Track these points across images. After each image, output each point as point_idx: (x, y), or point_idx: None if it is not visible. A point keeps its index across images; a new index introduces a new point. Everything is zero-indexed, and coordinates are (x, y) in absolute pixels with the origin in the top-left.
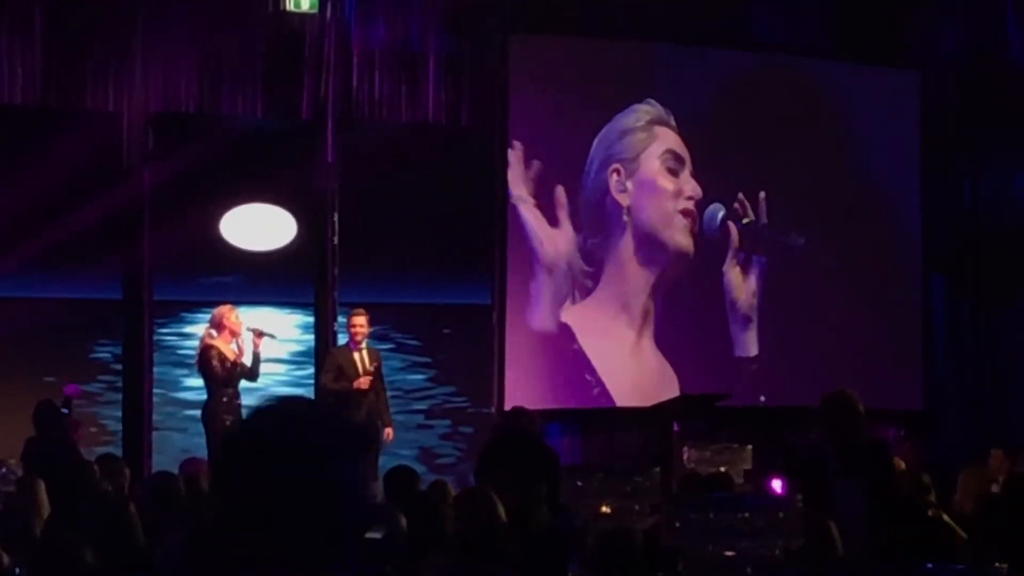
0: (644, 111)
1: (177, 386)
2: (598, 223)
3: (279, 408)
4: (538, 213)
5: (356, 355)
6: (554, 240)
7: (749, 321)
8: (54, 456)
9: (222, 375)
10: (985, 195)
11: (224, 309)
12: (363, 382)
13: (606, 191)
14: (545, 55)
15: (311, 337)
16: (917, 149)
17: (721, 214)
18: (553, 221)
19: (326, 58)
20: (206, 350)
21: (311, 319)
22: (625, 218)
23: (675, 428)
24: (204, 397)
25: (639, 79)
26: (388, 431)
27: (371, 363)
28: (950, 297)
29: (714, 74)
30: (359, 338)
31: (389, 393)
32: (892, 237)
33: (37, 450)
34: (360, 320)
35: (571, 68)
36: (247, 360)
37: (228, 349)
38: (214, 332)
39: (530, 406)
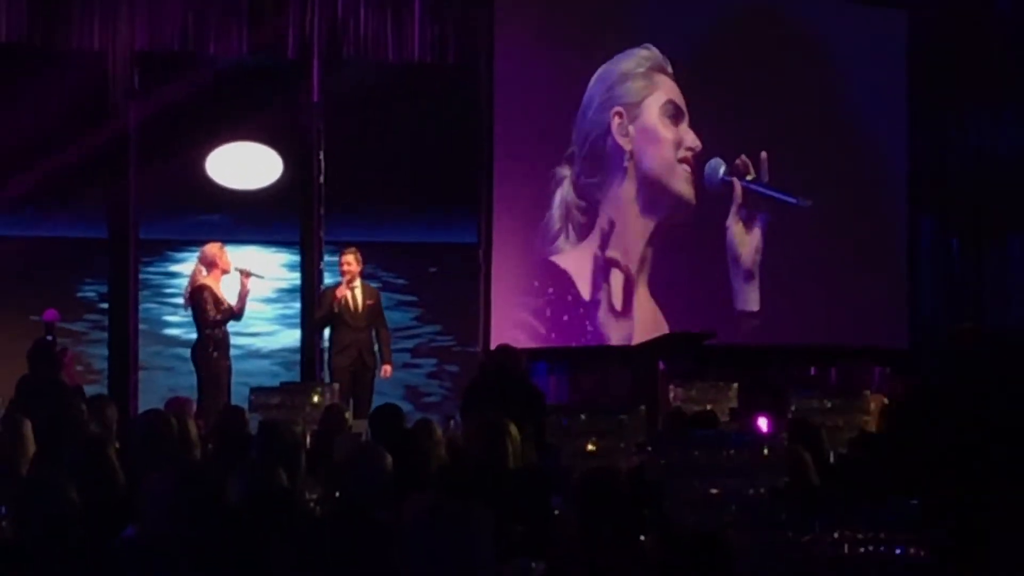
0: (644, 57)
1: (162, 325)
2: (596, 163)
3: None
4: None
5: (348, 293)
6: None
7: (751, 277)
8: (42, 395)
9: (216, 317)
10: (971, 136)
11: (215, 248)
12: (386, 370)
13: (607, 132)
14: None
15: (297, 276)
16: (904, 89)
17: (723, 169)
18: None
19: None
20: (199, 291)
21: (297, 258)
22: (627, 163)
23: (661, 367)
24: (190, 336)
25: (625, 16)
26: (386, 368)
27: (366, 301)
28: (936, 237)
29: (702, 14)
30: (347, 276)
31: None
32: (879, 177)
33: (28, 389)
34: (347, 258)
35: (557, 5)
36: (233, 300)
37: (219, 289)
38: (204, 271)
39: (516, 345)
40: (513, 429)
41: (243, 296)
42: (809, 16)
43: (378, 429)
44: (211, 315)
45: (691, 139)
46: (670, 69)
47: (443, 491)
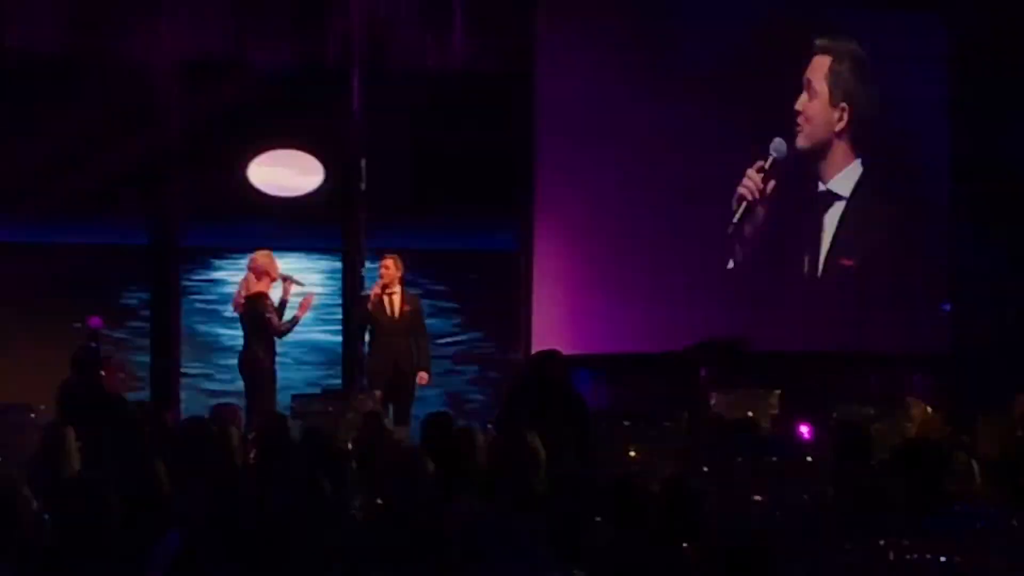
0: None
1: (205, 332)
2: None
3: None
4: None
5: (386, 299)
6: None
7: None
8: (84, 402)
9: (282, 327)
10: (1014, 140)
11: (266, 256)
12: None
13: None
14: (572, 1)
15: (339, 282)
16: (945, 93)
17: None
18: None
19: (353, 4)
20: (259, 299)
21: (339, 264)
22: None
23: (702, 373)
24: (232, 343)
25: (666, 23)
26: (422, 375)
27: (404, 307)
28: (979, 243)
29: (742, 17)
30: (385, 280)
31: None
32: (921, 182)
33: (70, 393)
34: (387, 262)
35: (597, 14)
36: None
37: (272, 297)
38: (255, 279)
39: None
40: (534, 440)
41: (285, 302)
42: (850, 22)
43: (429, 436)
44: (276, 323)
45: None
46: None
47: (485, 498)
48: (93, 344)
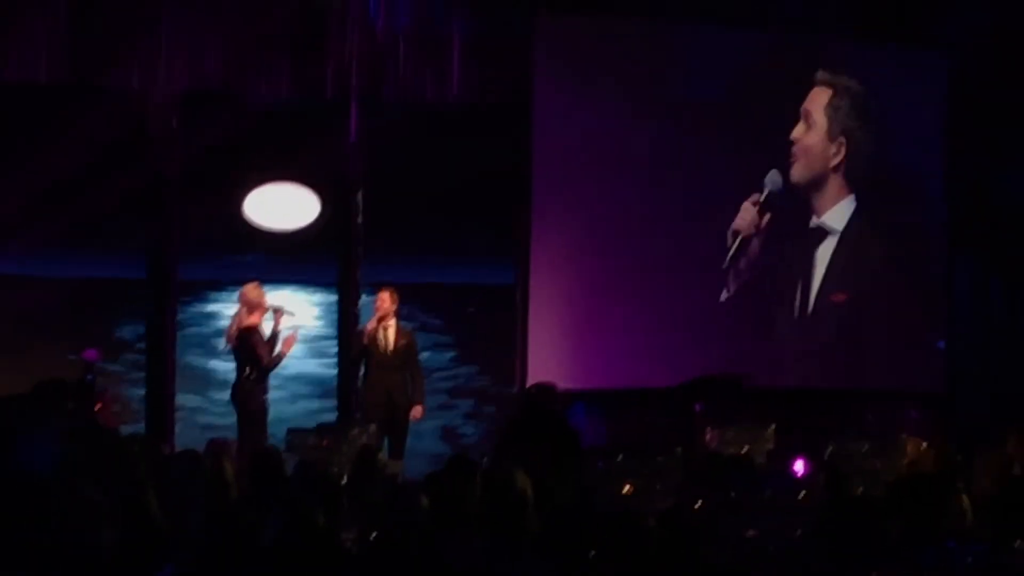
0: None
1: (200, 365)
2: None
3: None
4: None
5: (380, 332)
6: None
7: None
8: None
9: (270, 363)
10: (1011, 178)
11: (256, 289)
12: (417, 411)
13: None
14: (570, 34)
15: (334, 316)
16: (943, 132)
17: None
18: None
19: (350, 37)
20: (249, 332)
21: (334, 298)
22: None
23: (698, 409)
24: (227, 376)
25: (664, 58)
26: (416, 409)
27: (398, 341)
28: (975, 280)
29: (737, 53)
30: (379, 312)
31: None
32: (917, 219)
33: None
34: (383, 295)
35: (596, 48)
36: (267, 335)
37: (263, 330)
38: (247, 312)
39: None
40: (523, 478)
41: (276, 333)
42: (849, 58)
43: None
44: (265, 359)
45: None
46: None
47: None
48: (89, 377)
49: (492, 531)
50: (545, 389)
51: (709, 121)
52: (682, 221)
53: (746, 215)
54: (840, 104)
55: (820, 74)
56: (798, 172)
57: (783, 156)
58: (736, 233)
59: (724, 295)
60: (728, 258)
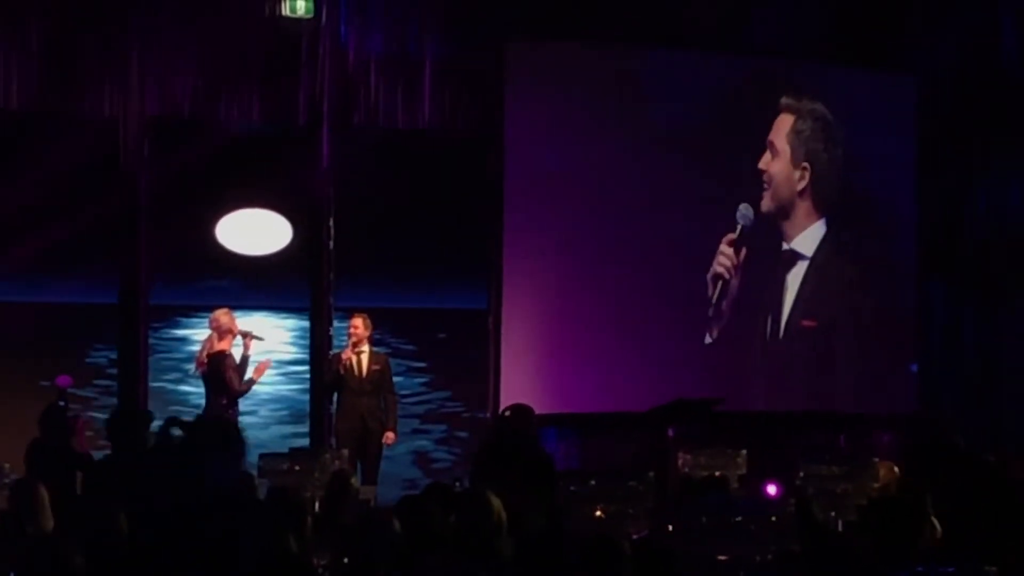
0: None
1: (172, 390)
2: None
3: None
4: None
5: (354, 358)
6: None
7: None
8: (52, 462)
9: (241, 389)
10: (982, 200)
11: (226, 315)
12: (389, 437)
13: None
14: (541, 61)
15: (306, 341)
16: (913, 154)
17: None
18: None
19: (321, 63)
20: (221, 358)
21: (306, 324)
22: None
23: (670, 433)
24: (199, 401)
25: (635, 85)
26: (388, 435)
27: (372, 366)
28: (947, 303)
29: (710, 79)
30: (354, 339)
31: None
32: (888, 242)
33: (38, 455)
34: (356, 321)
35: (567, 74)
36: (237, 359)
37: (235, 354)
38: (217, 337)
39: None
40: (495, 502)
41: (246, 358)
42: (818, 83)
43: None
44: (235, 385)
45: None
46: None
47: (452, 555)
48: (62, 403)
49: (466, 555)
50: (520, 410)
51: (681, 147)
52: (655, 246)
53: (724, 259)
54: (803, 128)
55: (784, 100)
56: (767, 201)
57: (754, 183)
58: (717, 278)
59: (708, 339)
60: (712, 305)
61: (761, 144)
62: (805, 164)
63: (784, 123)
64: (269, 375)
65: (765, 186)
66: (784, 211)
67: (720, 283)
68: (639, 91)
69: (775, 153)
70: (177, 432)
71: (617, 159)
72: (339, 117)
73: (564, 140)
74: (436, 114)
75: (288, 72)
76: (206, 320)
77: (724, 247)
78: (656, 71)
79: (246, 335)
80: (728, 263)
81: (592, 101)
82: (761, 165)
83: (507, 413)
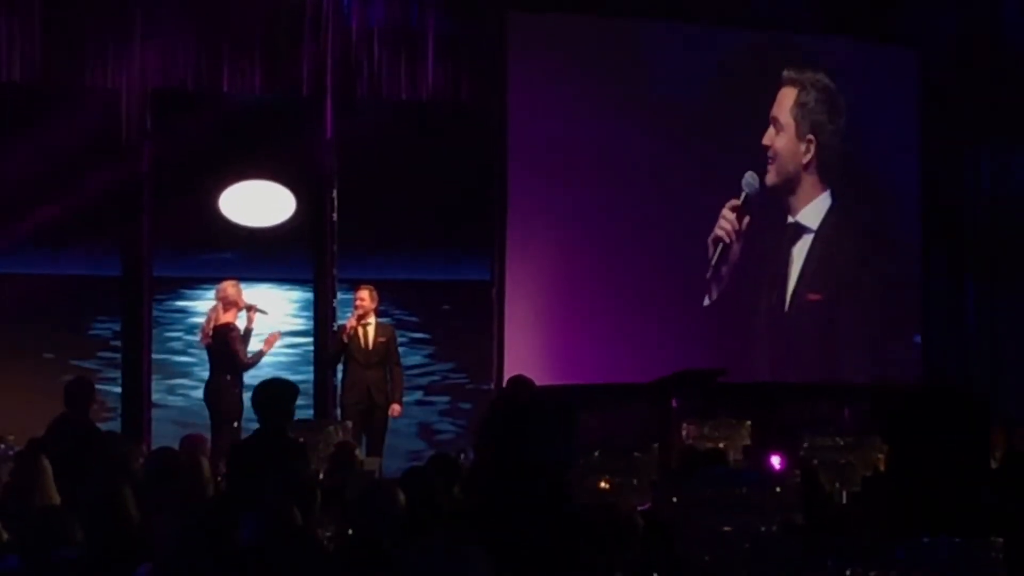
0: None
1: (175, 362)
2: None
3: None
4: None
5: (360, 330)
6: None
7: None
8: (72, 434)
9: (248, 361)
10: (985, 174)
11: (233, 286)
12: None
13: None
14: (543, 32)
15: (310, 313)
16: (916, 127)
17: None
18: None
19: (324, 34)
20: (227, 330)
21: (310, 296)
22: None
23: (674, 404)
24: (202, 373)
25: (637, 56)
26: (394, 407)
27: (378, 338)
28: (950, 274)
29: (709, 51)
30: (359, 311)
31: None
32: (891, 215)
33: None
34: (362, 293)
35: (569, 45)
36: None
37: (239, 326)
38: (223, 309)
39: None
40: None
41: (250, 331)
42: (820, 55)
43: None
44: (242, 357)
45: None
46: None
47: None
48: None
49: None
50: (520, 380)
51: (684, 119)
52: (658, 217)
53: (726, 223)
54: (806, 100)
55: (786, 73)
56: (772, 174)
57: (759, 155)
58: (717, 241)
59: (707, 301)
60: (711, 267)
61: (763, 115)
62: (810, 136)
63: (787, 96)
64: (274, 347)
65: (770, 161)
66: (790, 185)
67: (720, 246)
68: (641, 62)
69: (779, 128)
70: None
71: (619, 130)
72: (342, 88)
73: (566, 111)
74: (439, 85)
75: (291, 43)
76: (210, 292)
77: (726, 211)
78: (658, 42)
79: (250, 308)
80: (729, 227)
81: (594, 72)
82: (765, 141)
83: (508, 384)
